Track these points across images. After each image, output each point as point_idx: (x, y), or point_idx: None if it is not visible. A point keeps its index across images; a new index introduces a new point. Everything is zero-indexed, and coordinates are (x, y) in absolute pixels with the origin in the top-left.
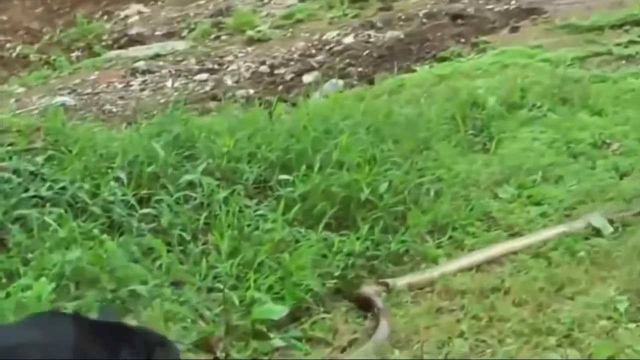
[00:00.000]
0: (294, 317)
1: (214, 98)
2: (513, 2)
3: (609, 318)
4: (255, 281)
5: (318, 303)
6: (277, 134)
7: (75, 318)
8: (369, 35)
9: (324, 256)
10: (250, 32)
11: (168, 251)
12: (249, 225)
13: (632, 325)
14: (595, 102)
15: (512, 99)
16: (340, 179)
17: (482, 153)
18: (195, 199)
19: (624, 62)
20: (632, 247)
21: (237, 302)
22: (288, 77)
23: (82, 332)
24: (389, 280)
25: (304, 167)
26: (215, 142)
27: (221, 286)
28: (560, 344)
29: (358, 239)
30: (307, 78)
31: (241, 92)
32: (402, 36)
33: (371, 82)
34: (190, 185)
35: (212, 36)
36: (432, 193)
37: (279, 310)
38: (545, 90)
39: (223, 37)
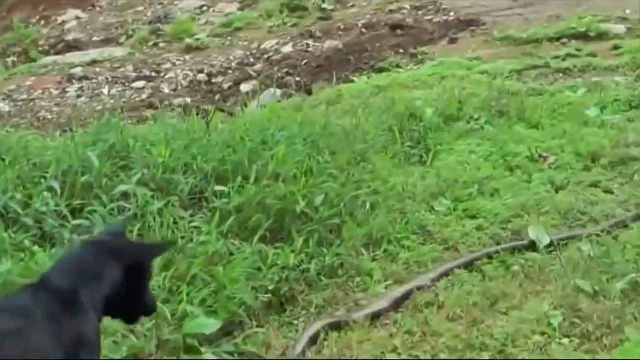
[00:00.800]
0: (227, 332)
1: (151, 106)
2: (452, 13)
3: (543, 333)
4: (188, 294)
5: (251, 317)
6: (214, 145)
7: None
8: (308, 45)
9: (259, 269)
10: (188, 40)
11: None
12: (183, 238)
13: (565, 341)
14: (532, 115)
15: (449, 111)
16: (276, 191)
17: (419, 165)
18: (129, 210)
19: (561, 75)
20: (566, 261)
21: (169, 316)
22: (226, 86)
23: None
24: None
25: (239, 178)
26: (151, 152)
27: None
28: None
29: (293, 252)
30: (245, 87)
31: (178, 101)
32: (340, 46)
33: (309, 92)
34: (125, 196)
35: (150, 43)
36: (367, 206)
37: (212, 325)
38: (482, 103)
39: (161, 45)
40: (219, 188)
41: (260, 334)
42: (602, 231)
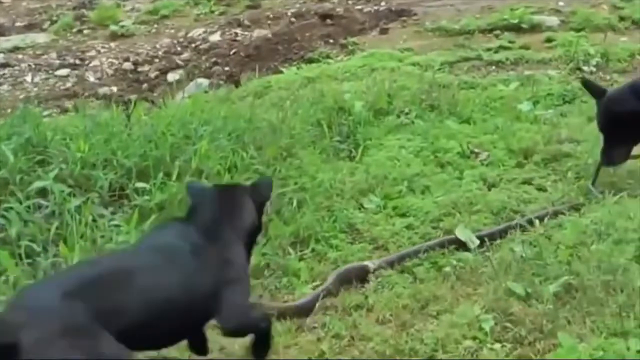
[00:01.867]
0: None
1: (75, 95)
2: (383, 3)
3: (474, 338)
4: None
5: None
6: (135, 139)
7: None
8: (236, 34)
9: None
10: (113, 27)
11: (15, 264)
12: (102, 237)
13: (497, 346)
14: (464, 109)
15: (379, 105)
16: None
17: (347, 161)
18: (46, 207)
19: (493, 67)
20: (498, 262)
21: None
22: (152, 75)
23: None
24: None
25: (161, 174)
26: (70, 146)
27: None
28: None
29: None
30: (171, 76)
31: (104, 90)
32: (269, 36)
33: (237, 83)
34: (42, 192)
35: (75, 30)
36: (294, 203)
37: None
38: (413, 96)
39: (85, 31)
40: (140, 185)
41: None
42: (515, 226)
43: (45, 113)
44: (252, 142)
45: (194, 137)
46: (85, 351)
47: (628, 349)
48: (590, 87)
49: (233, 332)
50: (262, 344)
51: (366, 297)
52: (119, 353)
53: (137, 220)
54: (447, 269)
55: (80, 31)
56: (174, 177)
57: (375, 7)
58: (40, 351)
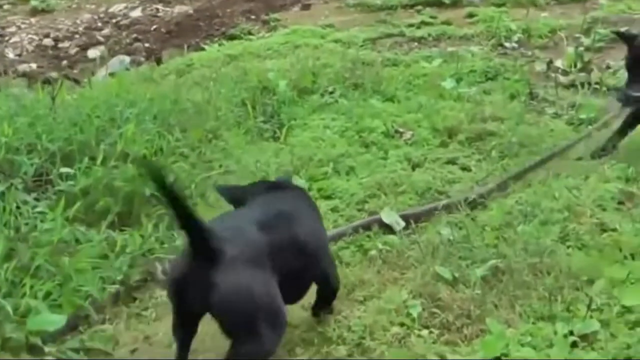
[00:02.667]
0: (73, 327)
1: None
2: None
3: (402, 324)
4: (31, 287)
5: (98, 310)
6: (59, 122)
7: None
8: (157, 10)
9: (106, 257)
10: (34, 2)
11: None
12: (27, 224)
13: (425, 332)
14: (388, 87)
15: (303, 84)
16: (124, 172)
17: (272, 141)
18: None
19: (416, 44)
20: (425, 246)
21: (11, 311)
22: (73, 51)
23: None
24: None
25: (86, 159)
26: None
27: None
28: (351, 354)
29: (142, 237)
30: (92, 53)
31: (23, 67)
32: (191, 11)
33: (159, 60)
34: None
35: None
36: None
37: (56, 321)
38: (337, 75)
39: (5, 6)
40: (65, 170)
41: (108, 329)
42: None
43: None
44: (177, 124)
45: (120, 120)
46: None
47: (555, 333)
48: (623, 35)
49: (333, 294)
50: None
51: None
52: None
53: (62, 206)
54: (373, 252)
55: (0, 6)
56: (99, 161)
57: None
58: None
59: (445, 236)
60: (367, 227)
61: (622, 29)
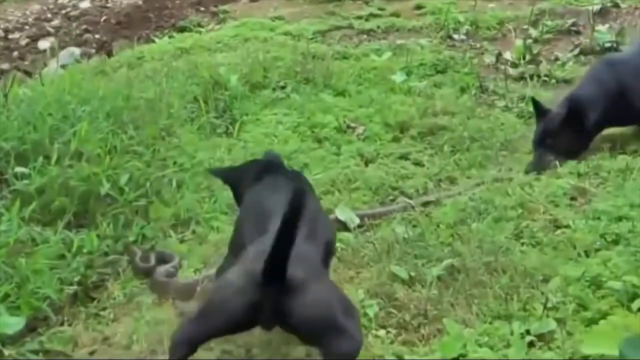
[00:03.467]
0: (31, 328)
1: None
2: None
3: None
4: None
5: (57, 312)
6: (13, 120)
7: None
8: (106, 1)
9: (63, 257)
10: None
11: None
12: None
13: (382, 332)
14: (339, 81)
15: (255, 79)
16: (79, 171)
17: (225, 137)
18: None
19: (365, 36)
20: (380, 244)
21: None
22: (23, 42)
23: None
24: None
25: (40, 158)
26: None
27: None
28: (309, 354)
29: (98, 236)
30: (42, 44)
31: None
32: (140, 3)
33: (109, 52)
34: None
35: None
36: (174, 184)
37: (15, 323)
38: (288, 69)
39: None
40: (19, 169)
41: (67, 330)
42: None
43: None
44: (130, 121)
45: (73, 117)
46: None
47: (512, 332)
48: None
49: None
50: None
51: None
52: None
53: (18, 206)
54: None
55: None
56: (53, 160)
57: None
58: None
59: (400, 234)
60: None
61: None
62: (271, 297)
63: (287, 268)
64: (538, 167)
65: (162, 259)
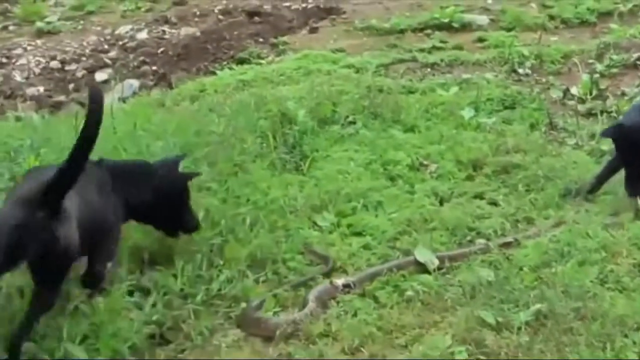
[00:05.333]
0: None
1: (3, 95)
2: (310, 0)
3: None
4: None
5: (135, 354)
6: None
7: None
8: (164, 32)
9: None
10: (39, 24)
11: None
12: None
13: None
14: (407, 116)
15: (323, 113)
16: None
17: (295, 173)
18: None
19: (429, 69)
20: (462, 287)
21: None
22: (79, 74)
23: None
24: None
25: None
26: (20, 164)
27: None
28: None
29: (174, 276)
30: (99, 76)
31: (31, 90)
32: (198, 34)
33: (169, 84)
34: None
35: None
36: (248, 222)
37: None
38: (355, 103)
39: (11, 28)
40: None
41: None
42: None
43: None
44: (203, 157)
45: (146, 153)
46: None
47: None
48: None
49: None
50: None
51: (329, 324)
52: None
53: None
54: (410, 293)
55: (5, 27)
56: None
57: (303, 5)
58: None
59: (484, 278)
60: (400, 266)
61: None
62: (42, 224)
63: (64, 197)
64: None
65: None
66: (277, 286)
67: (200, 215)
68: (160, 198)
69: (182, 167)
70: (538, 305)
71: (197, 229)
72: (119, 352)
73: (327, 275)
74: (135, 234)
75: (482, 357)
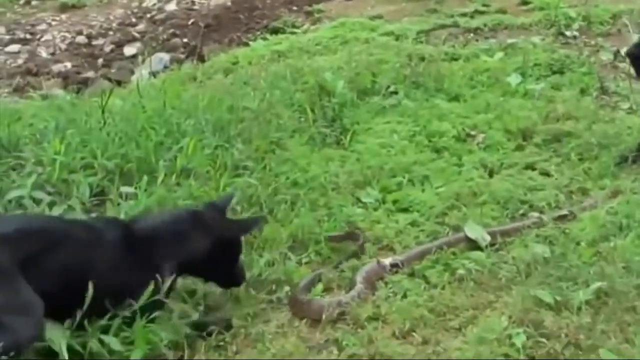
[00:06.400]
0: None
1: (29, 72)
2: None
3: (506, 356)
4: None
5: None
6: (113, 137)
7: None
8: (193, 2)
9: None
10: None
11: None
12: None
13: None
14: (451, 85)
15: (362, 84)
16: (187, 190)
17: (336, 148)
18: None
19: (471, 35)
20: (516, 264)
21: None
22: (107, 48)
23: None
24: None
25: (145, 176)
26: (45, 149)
27: None
28: (403, 353)
29: None
30: (128, 50)
31: (58, 67)
32: (229, 3)
33: (201, 57)
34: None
35: (22, 1)
36: (287, 201)
37: None
38: (396, 73)
39: (33, 3)
40: (125, 189)
41: None
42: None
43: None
44: (238, 134)
45: (177, 132)
46: None
47: None
48: None
49: None
50: None
51: (378, 307)
52: None
53: None
54: (461, 271)
55: (28, 2)
56: (159, 180)
57: None
58: None
59: (539, 254)
60: (450, 243)
61: None
62: None
63: None
64: None
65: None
66: (321, 267)
67: (238, 196)
68: (210, 255)
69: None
70: (598, 283)
71: (242, 283)
72: (154, 344)
73: (361, 249)
74: None
75: (541, 340)
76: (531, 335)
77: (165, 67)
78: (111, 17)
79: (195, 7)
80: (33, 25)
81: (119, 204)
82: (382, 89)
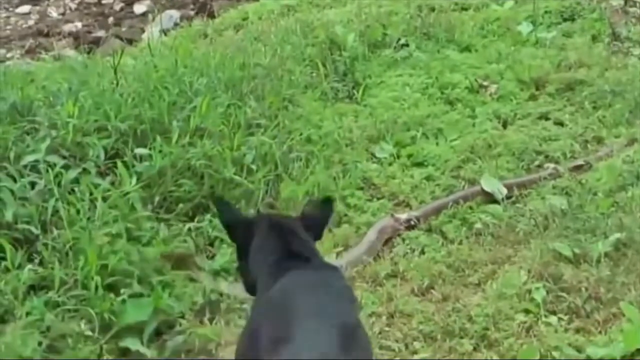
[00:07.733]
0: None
1: (40, 33)
2: None
3: (526, 311)
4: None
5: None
6: (126, 98)
7: None
8: None
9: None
10: None
11: (15, 249)
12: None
13: (553, 319)
14: (461, 35)
15: (373, 37)
16: (202, 150)
17: (348, 102)
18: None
19: None
20: (534, 216)
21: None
22: (117, 7)
23: None
24: None
25: (159, 137)
26: (58, 112)
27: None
28: (476, 348)
29: None
30: (138, 8)
31: (69, 27)
32: None
33: (211, 14)
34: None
35: None
36: (302, 158)
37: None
38: (407, 24)
39: None
40: (140, 151)
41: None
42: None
43: (9, 55)
44: (250, 91)
45: (190, 91)
46: None
47: None
48: None
49: None
50: None
51: (396, 264)
52: None
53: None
54: (479, 225)
55: None
56: (174, 140)
57: None
58: None
59: (557, 206)
60: (466, 197)
61: None
62: None
63: None
64: None
65: None
66: (337, 225)
67: (250, 156)
68: None
69: None
70: (617, 235)
71: None
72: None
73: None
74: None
75: (562, 294)
76: (551, 290)
77: (176, 24)
78: None
79: None
80: None
81: (133, 166)
82: (393, 41)
